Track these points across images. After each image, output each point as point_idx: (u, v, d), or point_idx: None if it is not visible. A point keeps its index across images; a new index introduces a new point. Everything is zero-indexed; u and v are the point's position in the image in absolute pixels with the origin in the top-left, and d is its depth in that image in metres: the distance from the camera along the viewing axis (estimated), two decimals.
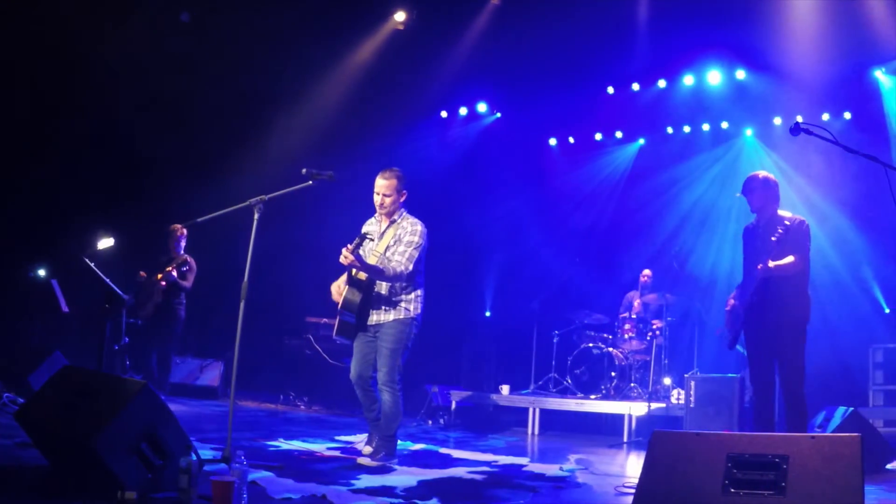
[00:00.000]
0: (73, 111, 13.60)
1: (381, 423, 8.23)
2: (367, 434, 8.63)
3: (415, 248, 8.15)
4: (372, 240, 8.28)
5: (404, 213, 8.41)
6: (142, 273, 12.55)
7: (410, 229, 8.26)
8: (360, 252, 7.83)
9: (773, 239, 7.93)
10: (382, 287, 8.18)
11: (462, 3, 15.24)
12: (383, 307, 8.19)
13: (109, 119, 13.57)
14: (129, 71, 13.56)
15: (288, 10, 14.06)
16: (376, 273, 7.98)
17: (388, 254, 8.15)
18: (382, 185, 8.24)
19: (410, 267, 8.09)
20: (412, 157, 16.72)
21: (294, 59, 15.07)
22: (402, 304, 8.20)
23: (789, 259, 8.02)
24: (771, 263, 7.95)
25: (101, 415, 5.44)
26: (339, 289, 8.27)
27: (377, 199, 8.28)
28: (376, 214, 8.45)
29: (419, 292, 8.35)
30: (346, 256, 7.72)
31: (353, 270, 8.08)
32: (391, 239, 8.23)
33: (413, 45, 15.61)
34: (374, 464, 7.89)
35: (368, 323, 8.22)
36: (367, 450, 8.28)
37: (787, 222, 8.04)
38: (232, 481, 5.25)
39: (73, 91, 13.47)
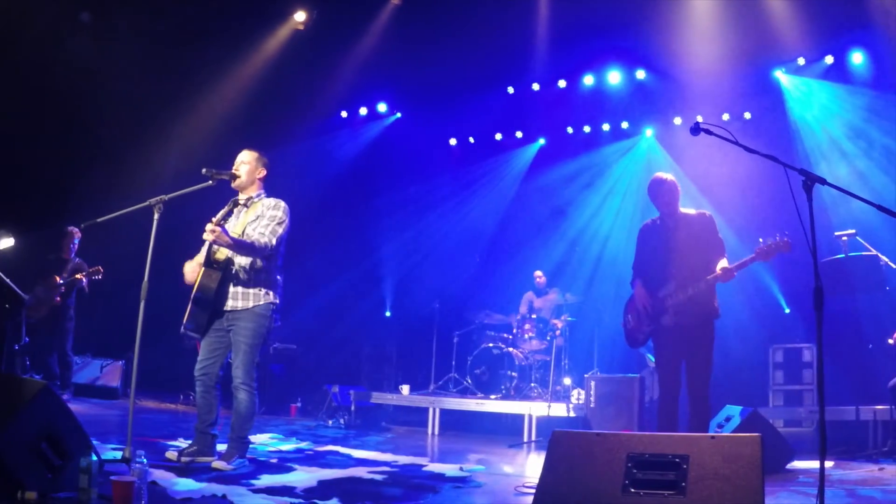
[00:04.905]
0: None
1: (235, 424, 7.73)
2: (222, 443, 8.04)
3: (278, 224, 7.73)
4: (240, 206, 7.92)
5: (263, 194, 8.01)
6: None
7: (273, 204, 7.86)
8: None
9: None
10: (240, 268, 7.72)
11: (363, 4, 15.26)
12: (240, 291, 7.71)
13: (4, 117, 13.36)
14: (26, 69, 13.37)
15: (187, 9, 13.93)
16: (241, 247, 7.55)
17: (248, 230, 7.73)
18: (241, 155, 7.95)
19: (274, 241, 7.66)
20: (313, 156, 16.73)
21: (194, 58, 14.94)
22: (261, 291, 7.75)
23: (724, 262, 8.20)
24: (731, 268, 8.11)
25: None
26: (193, 269, 7.83)
27: (235, 168, 7.89)
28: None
29: (278, 278, 7.92)
30: (212, 230, 7.23)
31: (213, 250, 7.61)
32: (251, 216, 7.81)
33: (313, 45, 15.59)
34: (229, 468, 7.43)
35: (224, 308, 7.72)
36: (185, 460, 7.59)
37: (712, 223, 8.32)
38: (132, 481, 5.22)
39: None
